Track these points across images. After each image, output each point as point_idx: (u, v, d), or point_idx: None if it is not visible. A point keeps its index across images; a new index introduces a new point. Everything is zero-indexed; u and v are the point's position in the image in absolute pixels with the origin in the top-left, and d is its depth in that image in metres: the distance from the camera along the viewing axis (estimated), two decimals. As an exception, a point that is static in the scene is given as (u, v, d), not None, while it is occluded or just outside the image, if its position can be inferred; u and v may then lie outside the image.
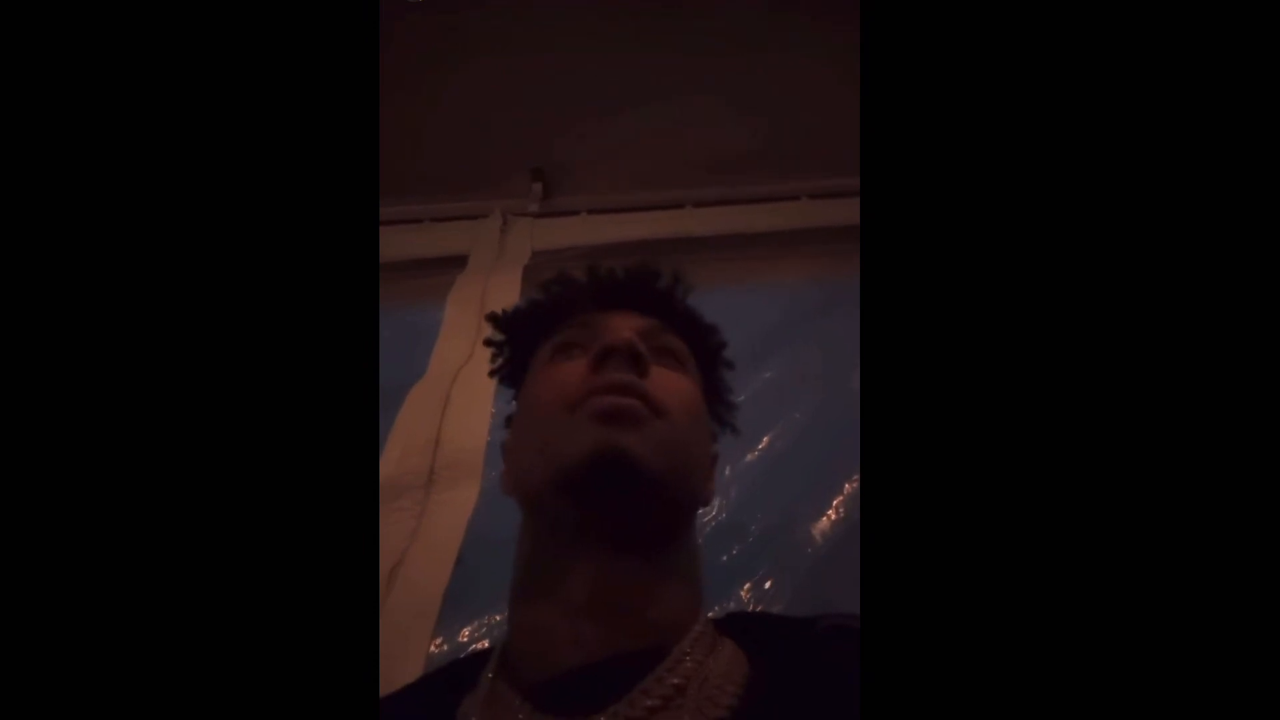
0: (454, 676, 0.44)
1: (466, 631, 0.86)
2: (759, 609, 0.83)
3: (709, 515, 0.94)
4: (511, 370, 0.56)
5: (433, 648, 0.78)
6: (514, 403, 0.55)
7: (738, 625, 0.43)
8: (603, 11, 1.11)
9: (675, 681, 0.37)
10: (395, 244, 1.19)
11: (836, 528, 0.92)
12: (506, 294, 1.10)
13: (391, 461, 0.90)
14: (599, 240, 1.19)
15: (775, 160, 1.23)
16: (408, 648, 0.74)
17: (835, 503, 0.93)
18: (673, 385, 0.46)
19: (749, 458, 0.99)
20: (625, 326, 0.48)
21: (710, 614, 0.45)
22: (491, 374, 0.58)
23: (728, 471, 0.97)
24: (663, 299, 0.53)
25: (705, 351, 0.54)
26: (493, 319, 0.57)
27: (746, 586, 0.89)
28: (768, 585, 0.89)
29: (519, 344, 0.56)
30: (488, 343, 0.58)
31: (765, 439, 1.01)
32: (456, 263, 1.16)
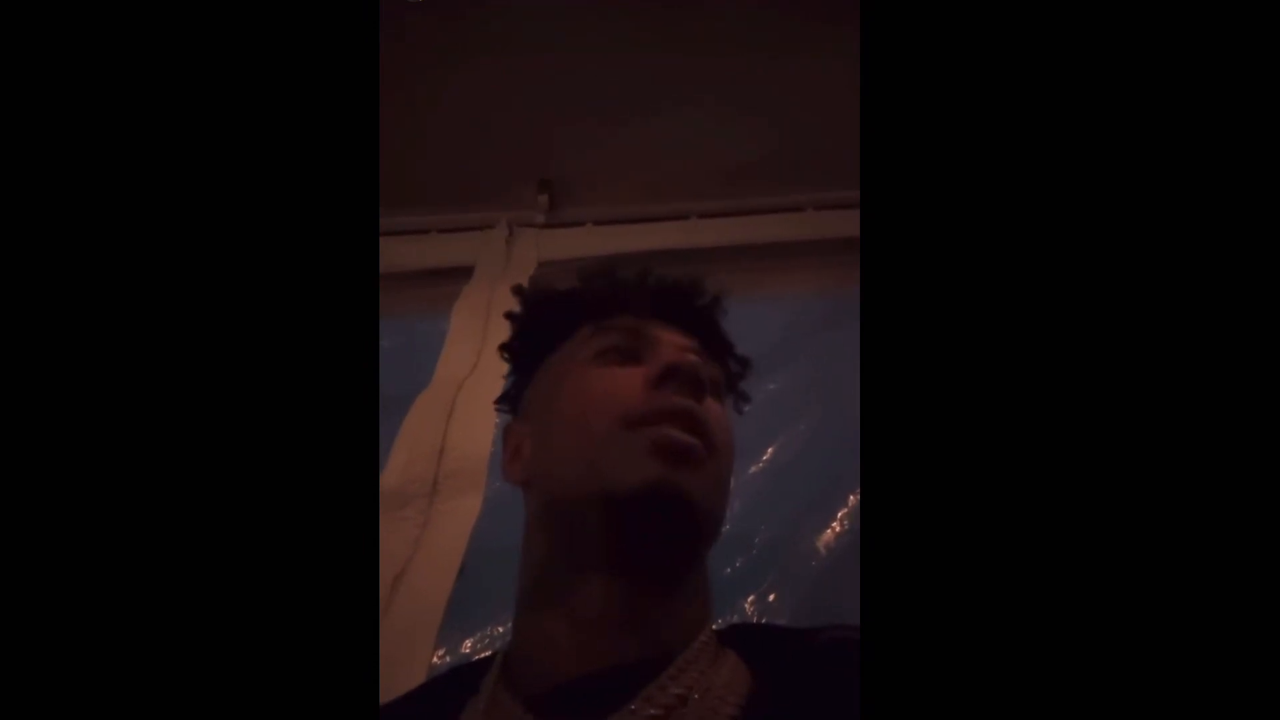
0: (456, 683, 0.44)
1: (469, 642, 0.85)
2: (763, 621, 0.83)
3: (713, 527, 0.93)
4: (525, 350, 0.54)
5: (435, 658, 0.77)
6: (510, 377, 0.54)
7: (740, 637, 0.43)
8: (606, 15, 1.11)
9: (677, 691, 0.37)
10: (401, 254, 1.20)
11: (841, 540, 0.91)
12: (512, 304, 1.10)
13: (396, 470, 0.90)
14: (605, 251, 1.20)
15: (782, 171, 1.24)
16: (411, 657, 0.74)
17: (840, 515, 0.93)
18: (721, 418, 0.46)
19: (753, 469, 0.99)
20: (680, 345, 0.48)
21: (714, 626, 0.44)
22: (502, 346, 0.55)
23: (731, 483, 0.97)
24: (707, 318, 0.52)
25: (730, 379, 0.54)
26: (519, 292, 0.55)
27: (750, 598, 0.89)
28: (771, 598, 0.89)
29: (546, 326, 0.53)
30: (509, 315, 0.55)
31: (769, 451, 1.01)
32: (462, 273, 1.16)
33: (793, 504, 0.96)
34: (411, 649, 0.75)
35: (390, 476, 0.89)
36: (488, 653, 0.59)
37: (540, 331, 0.53)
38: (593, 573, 0.41)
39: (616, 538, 0.41)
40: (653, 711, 0.36)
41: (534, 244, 1.21)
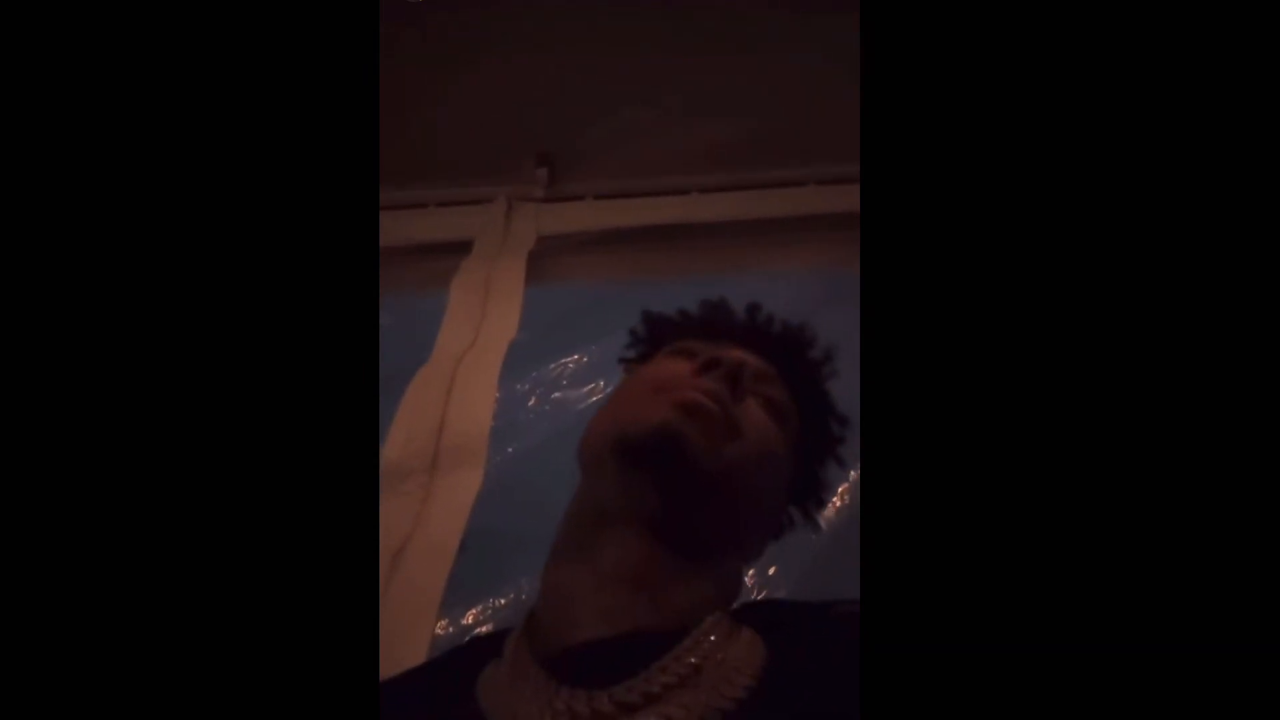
0: (482, 646, 0.45)
1: (471, 614, 0.86)
2: (764, 594, 0.84)
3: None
4: (633, 358, 0.60)
5: (438, 630, 0.78)
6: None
7: (755, 613, 0.44)
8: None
9: (693, 661, 0.38)
10: (400, 229, 1.19)
11: (840, 514, 0.92)
12: (511, 279, 1.09)
13: (396, 445, 0.90)
14: (604, 225, 1.19)
15: (783, 146, 1.22)
16: (413, 629, 0.75)
17: (840, 490, 0.93)
18: (760, 422, 0.47)
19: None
20: (745, 355, 0.50)
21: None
22: (620, 360, 0.61)
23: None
24: (805, 369, 0.55)
25: (819, 436, 0.55)
26: (646, 317, 0.60)
27: (750, 572, 0.89)
28: (771, 571, 0.89)
29: (654, 340, 0.58)
30: (632, 334, 0.60)
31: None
32: (461, 248, 1.16)
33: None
34: (414, 621, 0.75)
35: (391, 451, 0.90)
36: (488, 626, 0.59)
37: (648, 346, 0.59)
38: (611, 525, 0.43)
39: (627, 483, 0.44)
40: (667, 679, 0.37)
41: (533, 218, 1.20)
